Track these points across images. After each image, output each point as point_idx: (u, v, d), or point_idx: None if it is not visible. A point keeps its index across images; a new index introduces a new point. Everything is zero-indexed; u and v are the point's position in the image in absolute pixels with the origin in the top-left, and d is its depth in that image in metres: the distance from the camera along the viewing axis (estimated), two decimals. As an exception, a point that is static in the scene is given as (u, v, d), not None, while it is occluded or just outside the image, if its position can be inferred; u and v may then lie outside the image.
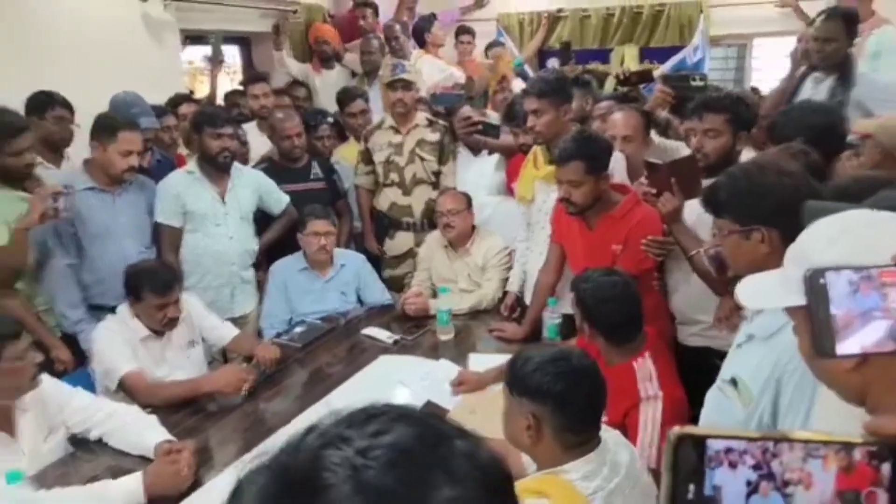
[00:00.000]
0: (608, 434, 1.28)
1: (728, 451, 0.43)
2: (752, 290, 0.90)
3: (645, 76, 3.22)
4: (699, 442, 0.43)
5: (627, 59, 5.08)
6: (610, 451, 1.24)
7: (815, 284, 0.58)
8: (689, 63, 4.56)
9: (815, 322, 0.58)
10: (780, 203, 1.32)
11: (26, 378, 1.62)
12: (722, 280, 1.79)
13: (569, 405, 1.18)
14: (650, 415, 1.63)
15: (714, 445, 0.43)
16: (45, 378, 1.73)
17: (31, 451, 1.67)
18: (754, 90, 3.86)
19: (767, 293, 0.84)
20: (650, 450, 1.58)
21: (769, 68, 5.18)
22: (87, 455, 1.79)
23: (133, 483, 1.54)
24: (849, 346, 0.57)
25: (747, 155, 2.14)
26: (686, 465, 0.42)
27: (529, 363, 1.23)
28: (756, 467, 0.42)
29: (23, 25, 2.87)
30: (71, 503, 1.48)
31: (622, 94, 3.49)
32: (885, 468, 0.43)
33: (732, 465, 0.43)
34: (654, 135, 2.70)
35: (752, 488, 0.42)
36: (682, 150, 2.48)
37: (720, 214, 1.44)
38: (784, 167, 1.51)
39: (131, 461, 1.72)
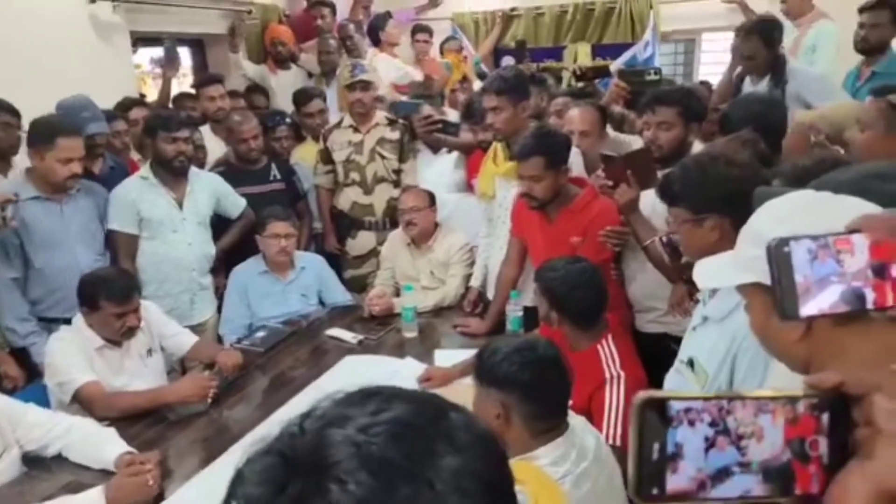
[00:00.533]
0: (575, 420, 1.30)
1: (687, 410, 0.46)
2: (707, 271, 0.94)
3: (600, 71, 3.29)
4: (661, 404, 0.45)
5: (580, 55, 5.17)
6: (577, 436, 1.27)
7: (779, 252, 0.61)
8: (639, 59, 4.67)
9: (780, 288, 0.62)
10: (730, 192, 1.38)
11: (-25, 397, 1.55)
12: (675, 267, 1.85)
13: (536, 393, 1.20)
14: (614, 394, 1.69)
15: (675, 406, 0.45)
16: (-5, 395, 1.66)
17: (-17, 471, 1.60)
18: (704, 83, 3.98)
19: (722, 273, 0.88)
20: (616, 428, 1.64)
21: (717, 62, 5.36)
22: (42, 473, 1.72)
23: (95, 497, 1.49)
24: (808, 308, 0.61)
25: (698, 146, 2.21)
26: (650, 427, 0.44)
27: (497, 354, 1.24)
28: (712, 424, 0.45)
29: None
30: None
31: (578, 89, 3.56)
32: (825, 417, 0.46)
33: (691, 423, 0.46)
34: (609, 129, 2.76)
35: (710, 443, 0.45)
36: (637, 143, 2.54)
37: (675, 204, 1.49)
38: (733, 157, 1.57)
39: (90, 476, 1.67)
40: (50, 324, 2.28)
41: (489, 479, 0.44)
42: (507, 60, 5.38)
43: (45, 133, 2.27)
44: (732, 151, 1.72)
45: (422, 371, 2.14)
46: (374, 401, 0.45)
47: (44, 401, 2.03)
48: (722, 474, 0.45)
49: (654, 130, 2.14)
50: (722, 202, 1.39)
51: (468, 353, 2.12)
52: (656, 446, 0.45)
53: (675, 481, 0.45)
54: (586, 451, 1.24)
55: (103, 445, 1.70)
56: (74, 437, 1.73)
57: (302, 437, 0.43)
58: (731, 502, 0.45)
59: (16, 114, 2.48)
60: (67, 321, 2.13)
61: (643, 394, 0.47)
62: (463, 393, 1.31)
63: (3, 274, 2.29)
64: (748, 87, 2.99)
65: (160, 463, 1.65)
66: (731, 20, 4.74)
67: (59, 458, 1.74)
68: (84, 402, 1.95)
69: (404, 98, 3.79)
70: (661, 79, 2.86)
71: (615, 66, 4.56)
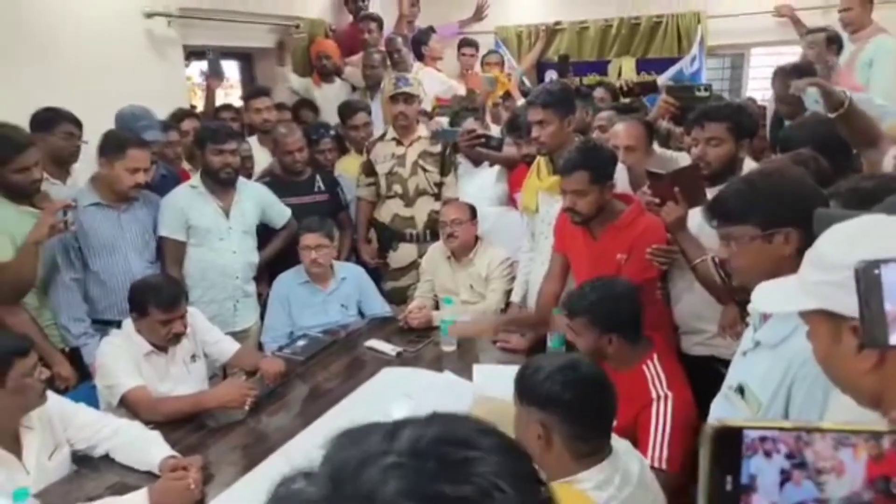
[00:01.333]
0: (619, 443, 1.27)
1: (763, 439, 0.44)
2: (768, 294, 0.91)
3: (647, 87, 3.24)
4: (736, 433, 0.43)
5: (625, 70, 5.12)
6: (621, 461, 1.23)
7: (868, 275, 0.58)
8: (686, 73, 4.60)
9: (868, 312, 0.59)
10: (799, 203, 1.32)
11: (34, 395, 1.62)
12: (728, 288, 1.79)
13: (578, 413, 1.18)
14: (661, 415, 1.65)
15: (750, 435, 0.43)
16: (50, 395, 1.72)
17: (36, 468, 1.65)
18: (751, 100, 3.90)
19: (785, 297, 0.85)
20: (661, 450, 1.59)
21: (766, 78, 5.23)
22: (91, 472, 1.78)
23: (139, 501, 1.53)
24: None
25: (749, 164, 2.15)
26: (723, 457, 0.42)
27: (538, 372, 1.22)
28: (789, 456, 0.43)
29: (29, 42, 2.89)
30: (76, 521, 1.46)
31: (624, 104, 3.52)
32: None
33: (767, 454, 0.44)
34: (655, 145, 2.72)
35: (786, 477, 0.42)
36: (683, 160, 2.49)
37: (737, 221, 1.41)
38: (794, 170, 1.52)
39: (135, 478, 1.71)
40: (103, 325, 2.36)
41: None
42: (551, 74, 5.36)
43: (117, 143, 2.41)
44: (791, 165, 1.66)
45: (459, 386, 2.12)
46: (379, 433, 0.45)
47: (93, 401, 2.09)
48: None
49: (703, 146, 2.09)
50: (793, 215, 1.31)
51: (507, 369, 2.10)
52: (729, 478, 0.43)
53: None
54: (630, 476, 1.20)
55: (149, 448, 1.74)
56: (121, 438, 1.78)
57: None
58: None
59: (78, 124, 2.59)
60: (119, 324, 2.20)
61: (716, 422, 0.45)
62: (504, 411, 1.29)
63: (64, 275, 2.38)
64: (810, 103, 2.92)
65: (202, 468, 1.68)
66: (782, 35, 4.64)
67: (107, 459, 1.79)
68: (130, 407, 2.00)
69: (445, 116, 3.81)
70: (711, 95, 2.80)
71: (662, 80, 4.50)
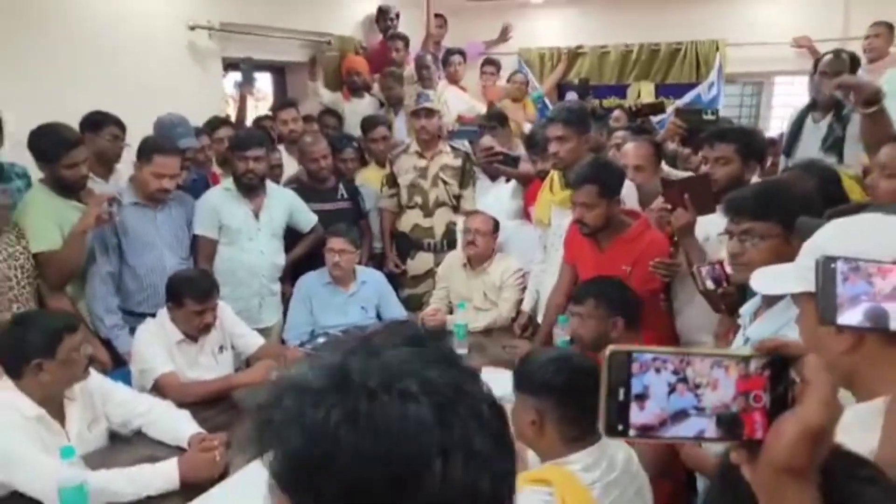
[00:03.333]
0: (608, 433, 1.38)
1: (654, 359, 0.55)
2: (765, 277, 1.00)
3: (655, 108, 3.36)
4: (627, 356, 0.55)
5: (644, 94, 5.24)
6: (610, 448, 1.34)
7: (826, 268, 0.72)
8: (703, 99, 4.71)
9: (822, 297, 0.72)
10: (818, 213, 1.41)
11: (79, 369, 1.77)
12: (719, 295, 1.89)
13: (569, 399, 1.29)
14: None
15: (642, 357, 0.55)
16: (92, 372, 1.88)
17: (77, 437, 1.81)
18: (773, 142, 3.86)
19: (779, 280, 0.95)
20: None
21: (784, 106, 5.30)
22: (125, 446, 1.93)
23: (169, 468, 1.67)
24: (845, 319, 0.71)
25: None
26: (617, 373, 0.55)
27: (533, 362, 1.35)
28: (675, 372, 0.55)
29: (81, 50, 3.11)
30: (114, 481, 1.60)
31: (636, 125, 3.65)
32: (768, 374, 0.55)
33: (657, 371, 0.55)
34: (663, 165, 2.83)
35: (672, 388, 0.55)
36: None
37: (760, 218, 1.48)
38: (811, 183, 1.62)
39: (166, 452, 1.84)
40: (136, 318, 2.51)
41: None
42: (571, 96, 5.51)
43: (146, 149, 2.58)
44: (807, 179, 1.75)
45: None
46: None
47: (127, 386, 2.25)
48: (681, 416, 0.54)
49: (712, 164, 2.20)
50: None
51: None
52: (622, 389, 0.55)
53: (641, 417, 0.54)
54: (616, 463, 1.31)
55: (179, 425, 1.89)
56: (154, 415, 1.93)
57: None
58: (688, 440, 0.54)
59: (123, 127, 2.78)
60: (152, 316, 2.36)
61: (611, 347, 0.56)
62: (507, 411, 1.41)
63: (101, 268, 2.55)
64: (808, 127, 3.02)
65: (227, 444, 1.81)
66: (801, 65, 4.73)
67: (140, 434, 1.94)
68: (161, 390, 2.15)
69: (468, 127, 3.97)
70: (718, 119, 2.91)
71: (677, 104, 4.62)
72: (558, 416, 1.30)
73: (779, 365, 0.55)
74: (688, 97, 4.76)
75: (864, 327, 0.72)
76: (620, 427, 0.54)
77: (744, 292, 1.73)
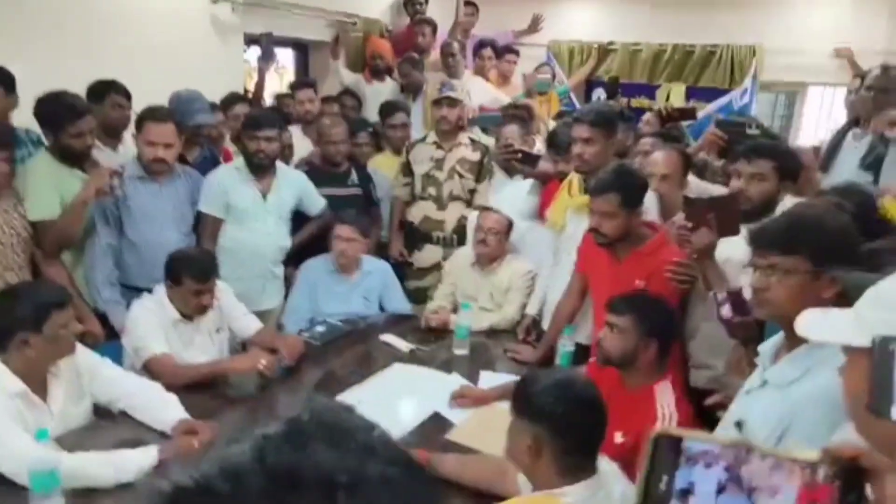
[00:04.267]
0: (607, 466, 1.30)
1: (705, 453, 0.47)
2: (819, 323, 0.90)
3: (686, 113, 3.23)
4: (676, 441, 0.47)
5: (674, 96, 5.09)
6: (607, 482, 1.26)
7: (884, 350, 0.62)
8: (735, 106, 4.55)
9: (876, 384, 0.62)
10: (846, 249, 1.33)
11: (66, 345, 1.73)
12: (737, 324, 1.79)
13: (568, 430, 1.21)
14: None
15: (692, 447, 0.47)
16: (79, 347, 1.83)
17: (60, 413, 1.77)
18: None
19: (836, 327, 0.84)
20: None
21: (819, 117, 5.13)
22: (109, 425, 1.89)
23: (149, 456, 1.62)
24: None
25: (791, 201, 2.14)
26: (662, 460, 0.47)
27: (535, 385, 1.27)
28: (727, 469, 0.47)
29: (100, 20, 3.05)
30: (89, 467, 1.55)
31: (666, 132, 3.52)
32: (838, 485, 0.47)
33: (707, 465, 0.47)
34: (691, 176, 2.72)
35: (722, 487, 0.47)
36: (717, 192, 2.49)
37: (787, 252, 1.39)
38: (843, 217, 1.51)
39: (149, 436, 1.81)
40: (134, 292, 2.46)
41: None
42: (599, 93, 5.38)
43: (140, 118, 2.52)
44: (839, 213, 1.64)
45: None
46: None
47: (118, 360, 2.18)
48: None
49: (747, 181, 2.09)
50: (840, 259, 1.31)
51: (513, 379, 2.14)
52: (665, 479, 0.47)
53: None
54: (611, 498, 1.23)
55: (165, 409, 1.84)
56: (141, 397, 1.89)
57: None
58: None
59: (128, 96, 2.73)
60: (150, 291, 2.30)
61: (658, 428, 0.50)
62: (501, 417, 1.33)
63: (101, 239, 2.51)
64: (849, 143, 2.88)
65: (213, 433, 1.76)
66: (838, 76, 4.56)
67: (125, 415, 1.90)
68: (153, 371, 2.10)
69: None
70: (763, 133, 2.76)
71: (708, 110, 4.46)
72: (556, 445, 1.22)
73: (851, 474, 0.46)
74: (720, 103, 4.60)
75: None
76: None
77: (762, 324, 1.63)
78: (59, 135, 2.32)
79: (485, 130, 3.77)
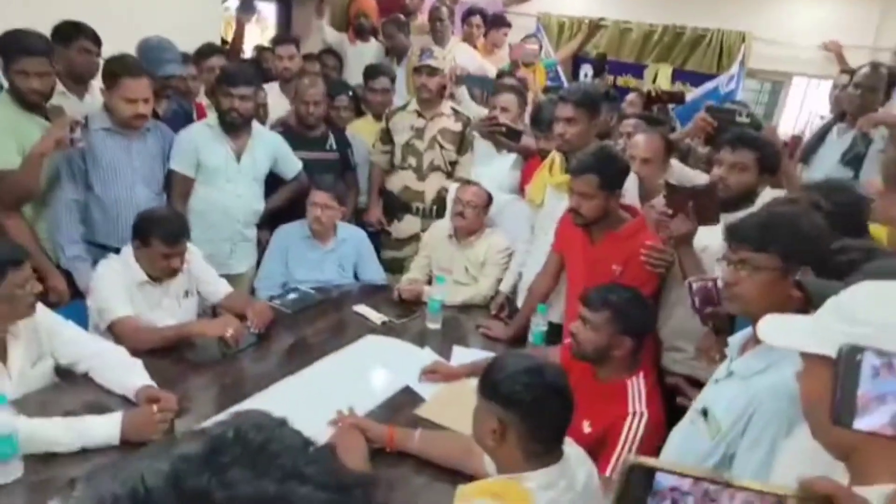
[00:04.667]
0: (571, 449, 1.31)
1: (672, 489, 0.47)
2: (778, 328, 0.91)
3: (675, 97, 3.21)
4: (649, 473, 0.46)
5: (660, 77, 5.06)
6: (570, 467, 1.27)
7: (849, 359, 0.62)
8: (721, 92, 4.54)
9: (840, 393, 0.62)
10: (818, 249, 1.34)
11: (23, 306, 1.66)
12: (707, 314, 1.82)
13: (535, 417, 1.21)
14: (633, 430, 1.69)
15: (662, 482, 0.46)
16: (40, 308, 1.77)
17: (18, 375, 1.71)
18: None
19: (796, 335, 0.85)
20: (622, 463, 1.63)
21: (801, 109, 5.16)
22: (70, 387, 1.84)
23: (111, 423, 1.58)
24: (864, 423, 0.62)
25: (769, 194, 2.14)
26: (633, 489, 0.46)
27: (503, 370, 1.26)
28: None
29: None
30: (49, 432, 1.51)
31: (650, 116, 3.50)
32: None
33: (674, 502, 0.46)
34: (673, 161, 2.71)
35: None
36: (699, 178, 2.49)
37: (759, 249, 1.41)
38: (817, 216, 1.52)
39: (112, 400, 1.77)
40: (101, 250, 2.38)
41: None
42: (586, 69, 5.31)
43: (112, 72, 2.36)
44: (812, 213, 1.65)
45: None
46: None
47: (83, 318, 2.14)
48: None
49: (727, 169, 2.09)
50: (811, 258, 1.33)
51: (485, 355, 2.14)
52: None
53: None
54: (575, 483, 1.24)
55: (128, 375, 1.79)
56: (103, 361, 1.84)
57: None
58: None
59: (97, 41, 2.57)
60: (117, 251, 2.23)
61: (632, 458, 0.48)
62: (471, 394, 1.32)
63: (66, 194, 2.40)
64: (832, 138, 2.90)
65: (178, 402, 1.73)
66: (824, 69, 4.57)
67: (86, 377, 1.85)
68: (116, 334, 2.05)
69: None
70: (753, 122, 2.74)
71: (695, 94, 4.45)
72: (522, 430, 1.22)
73: None
74: (706, 87, 4.58)
75: (885, 434, 0.62)
76: None
77: (733, 315, 1.65)
78: (9, 72, 2.19)
79: (472, 97, 3.69)
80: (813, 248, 1.35)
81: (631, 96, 3.90)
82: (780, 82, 5.27)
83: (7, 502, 1.39)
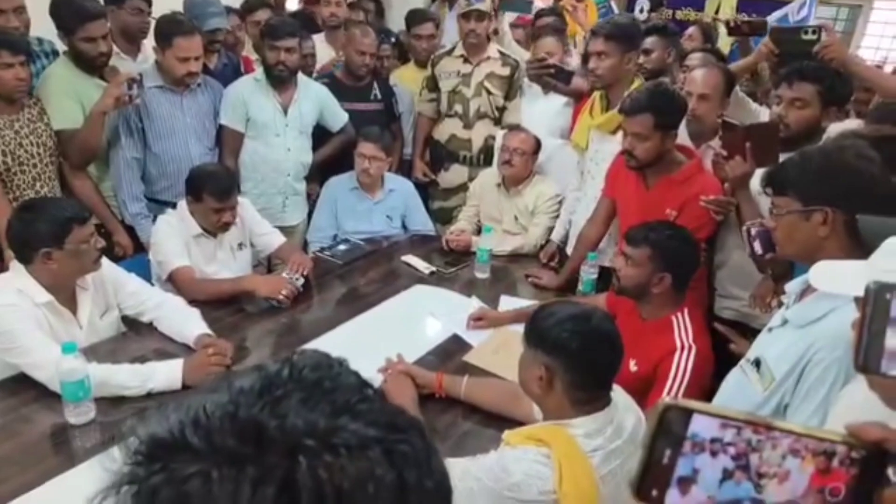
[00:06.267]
0: (619, 397, 1.29)
1: (713, 440, 0.45)
2: (831, 273, 0.89)
3: (756, 27, 2.96)
4: (686, 414, 0.44)
5: (724, 7, 4.72)
6: (618, 414, 1.26)
7: (879, 298, 0.56)
8: (791, 20, 4.18)
9: (866, 335, 0.56)
10: (849, 185, 1.26)
11: (89, 260, 1.74)
12: (766, 260, 1.73)
13: (582, 364, 1.19)
14: (682, 364, 1.66)
15: (702, 433, 0.44)
16: (105, 262, 1.86)
17: (88, 325, 1.82)
18: None
19: (848, 280, 0.81)
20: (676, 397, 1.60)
21: (882, 36, 4.74)
22: (136, 336, 1.95)
23: (173, 369, 1.67)
24: (891, 367, 0.56)
25: (836, 129, 2.00)
26: (667, 432, 0.44)
27: (550, 317, 1.24)
28: (735, 458, 0.44)
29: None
30: (118, 377, 1.61)
31: (715, 49, 3.28)
32: (853, 470, 0.45)
33: (714, 454, 0.45)
34: (738, 90, 2.53)
35: (727, 475, 0.44)
36: (763, 115, 2.34)
37: (783, 192, 1.36)
38: (864, 151, 1.41)
39: (175, 347, 1.87)
40: (159, 205, 2.48)
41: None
42: (642, 3, 5.01)
43: (165, 32, 2.39)
44: (863, 146, 1.54)
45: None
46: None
47: (145, 272, 2.24)
48: None
49: (787, 106, 1.96)
50: (838, 196, 1.26)
51: (533, 305, 2.13)
52: (668, 452, 0.44)
53: (681, 501, 0.45)
54: (622, 431, 1.23)
55: (187, 324, 1.88)
56: (164, 311, 1.93)
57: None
58: None
59: (148, 0, 2.61)
60: (175, 205, 2.31)
61: (667, 399, 0.46)
62: (514, 341, 1.32)
63: (126, 152, 2.48)
64: None
65: (234, 349, 1.81)
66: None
67: (151, 326, 1.95)
68: (175, 284, 2.14)
69: None
70: (819, 39, 2.38)
71: (771, 21, 4.11)
72: (569, 378, 1.20)
73: (871, 461, 0.43)
74: (775, 15, 4.23)
75: None
76: (654, 492, 0.45)
77: (793, 264, 1.57)
78: (72, 39, 2.26)
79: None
80: (840, 190, 1.25)
81: (691, 30, 3.65)
82: (857, 7, 4.83)
83: (82, 442, 1.49)
